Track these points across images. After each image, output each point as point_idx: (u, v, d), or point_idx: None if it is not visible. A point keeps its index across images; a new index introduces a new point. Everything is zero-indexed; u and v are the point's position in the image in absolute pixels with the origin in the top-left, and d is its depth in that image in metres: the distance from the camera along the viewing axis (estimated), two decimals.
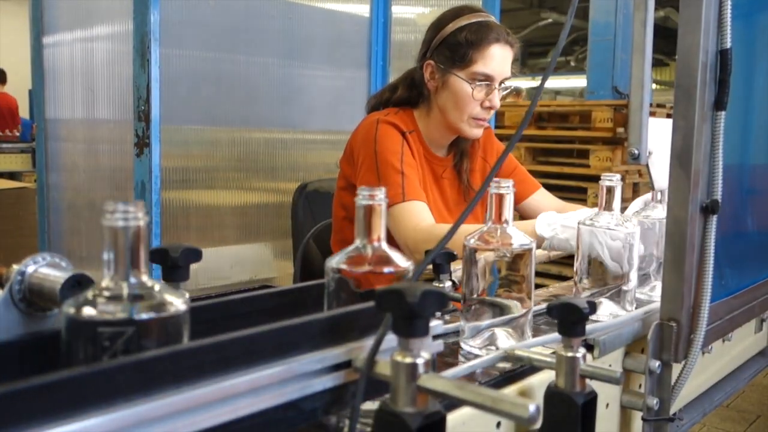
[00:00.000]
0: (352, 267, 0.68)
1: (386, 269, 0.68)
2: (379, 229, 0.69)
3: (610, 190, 1.05)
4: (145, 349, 0.51)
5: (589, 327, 0.88)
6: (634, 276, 1.06)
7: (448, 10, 1.66)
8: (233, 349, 0.54)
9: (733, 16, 0.89)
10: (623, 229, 1.04)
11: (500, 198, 0.89)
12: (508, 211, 0.90)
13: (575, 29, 8.76)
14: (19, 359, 0.58)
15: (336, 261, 0.69)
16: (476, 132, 1.65)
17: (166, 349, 0.51)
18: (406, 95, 1.70)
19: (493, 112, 1.64)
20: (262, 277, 2.63)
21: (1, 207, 4.23)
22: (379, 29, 2.97)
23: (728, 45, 0.89)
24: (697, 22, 0.87)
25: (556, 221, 1.31)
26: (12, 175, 6.75)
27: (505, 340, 0.90)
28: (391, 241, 1.51)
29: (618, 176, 1.06)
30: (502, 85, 1.61)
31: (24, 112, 9.15)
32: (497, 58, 1.58)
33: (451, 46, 1.59)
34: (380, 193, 0.69)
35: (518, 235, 0.90)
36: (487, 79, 1.58)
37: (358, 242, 0.70)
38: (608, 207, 1.06)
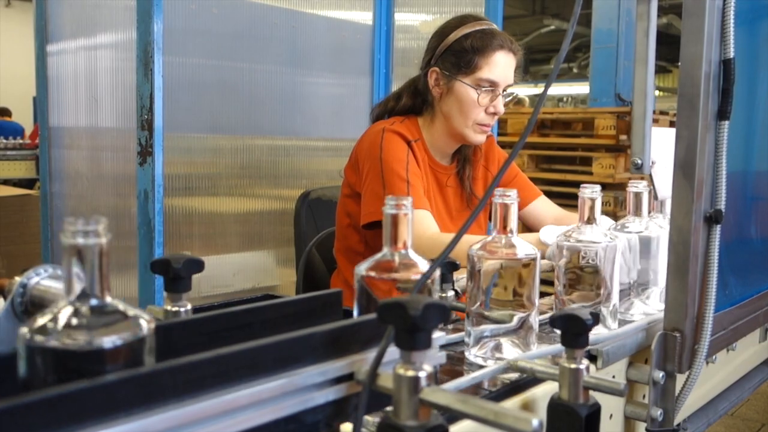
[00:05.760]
0: (377, 274, 0.72)
1: (411, 276, 0.71)
2: (405, 237, 0.73)
3: (590, 202, 1.01)
4: (107, 374, 0.48)
5: (591, 337, 0.88)
6: (615, 291, 1.01)
7: (451, 18, 1.68)
8: (235, 362, 0.54)
9: (735, 26, 0.89)
10: (605, 241, 1.00)
11: (505, 207, 0.89)
12: (513, 221, 0.89)
13: (578, 36, 8.77)
14: None
15: (363, 267, 0.73)
16: (480, 138, 1.66)
17: (168, 362, 0.51)
18: (411, 103, 1.71)
19: (496, 118, 1.65)
20: (264, 285, 2.62)
21: (5, 214, 4.24)
22: (382, 37, 2.97)
23: (731, 55, 0.89)
24: (699, 32, 0.87)
25: (560, 229, 1.34)
26: (21, 182, 6.77)
27: (510, 349, 0.89)
28: None
29: (598, 187, 1.02)
30: (505, 92, 1.62)
31: (28, 120, 9.20)
32: (501, 65, 1.60)
33: (457, 52, 1.60)
34: (407, 203, 0.72)
35: (523, 245, 0.89)
36: (492, 85, 1.60)
37: (385, 250, 0.73)
38: (589, 220, 1.01)
